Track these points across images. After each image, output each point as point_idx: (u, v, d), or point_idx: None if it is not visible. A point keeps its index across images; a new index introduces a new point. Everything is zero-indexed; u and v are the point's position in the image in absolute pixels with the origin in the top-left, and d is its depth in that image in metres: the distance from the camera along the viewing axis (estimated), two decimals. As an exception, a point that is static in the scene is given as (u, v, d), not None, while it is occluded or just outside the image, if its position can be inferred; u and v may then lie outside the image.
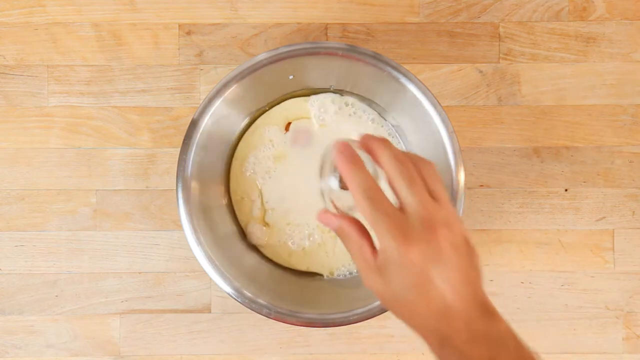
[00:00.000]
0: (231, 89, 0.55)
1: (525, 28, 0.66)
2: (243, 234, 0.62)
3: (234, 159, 0.62)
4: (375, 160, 0.41)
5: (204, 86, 0.65)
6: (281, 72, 0.56)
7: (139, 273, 0.65)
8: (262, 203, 0.61)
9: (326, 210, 0.42)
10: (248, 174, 0.61)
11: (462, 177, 0.54)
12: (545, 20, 0.66)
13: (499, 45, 0.66)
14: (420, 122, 0.56)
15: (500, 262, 0.65)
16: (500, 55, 0.66)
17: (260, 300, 0.55)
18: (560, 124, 0.66)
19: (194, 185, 0.55)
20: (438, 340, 0.38)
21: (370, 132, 0.61)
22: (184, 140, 0.54)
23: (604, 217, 0.65)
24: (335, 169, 0.44)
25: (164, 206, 0.65)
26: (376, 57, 0.54)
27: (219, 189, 0.61)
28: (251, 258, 0.61)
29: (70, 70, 0.65)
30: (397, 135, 0.62)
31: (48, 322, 0.65)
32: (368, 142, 0.41)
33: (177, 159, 0.55)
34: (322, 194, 0.45)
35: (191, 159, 0.55)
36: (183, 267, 0.65)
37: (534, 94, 0.65)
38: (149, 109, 0.65)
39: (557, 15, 0.66)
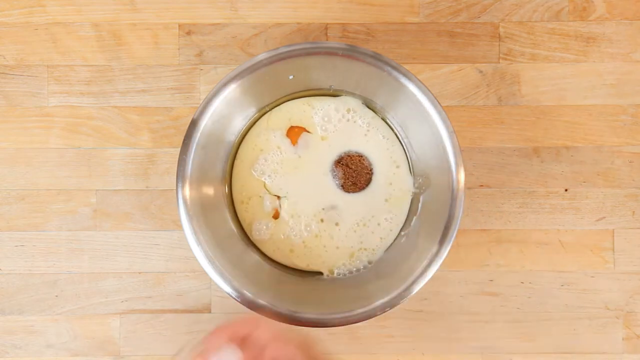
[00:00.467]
0: (231, 89, 0.55)
1: (525, 28, 0.66)
2: (243, 233, 0.62)
3: (237, 159, 0.62)
4: None
5: (204, 86, 0.65)
6: (281, 72, 0.56)
7: (139, 273, 0.65)
8: (270, 200, 0.62)
9: None
10: (257, 174, 0.62)
11: (462, 177, 0.54)
12: (545, 20, 0.66)
13: (499, 45, 0.66)
14: (420, 122, 0.56)
15: (500, 262, 0.65)
16: (500, 55, 0.66)
17: (260, 301, 0.55)
18: (560, 124, 0.66)
19: (194, 185, 0.55)
20: None
21: (372, 138, 0.61)
22: (184, 140, 0.54)
23: (604, 217, 0.66)
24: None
25: (164, 206, 0.65)
26: (376, 57, 0.54)
27: (220, 189, 0.61)
28: (251, 258, 0.61)
29: (70, 70, 0.65)
30: (398, 136, 0.62)
31: (48, 322, 0.65)
32: None
33: (177, 159, 0.55)
34: None
35: (191, 159, 0.55)
36: (183, 267, 0.65)
37: (534, 94, 0.65)
38: (149, 109, 0.65)
39: (557, 15, 0.66)
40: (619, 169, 0.65)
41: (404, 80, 0.54)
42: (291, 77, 0.58)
